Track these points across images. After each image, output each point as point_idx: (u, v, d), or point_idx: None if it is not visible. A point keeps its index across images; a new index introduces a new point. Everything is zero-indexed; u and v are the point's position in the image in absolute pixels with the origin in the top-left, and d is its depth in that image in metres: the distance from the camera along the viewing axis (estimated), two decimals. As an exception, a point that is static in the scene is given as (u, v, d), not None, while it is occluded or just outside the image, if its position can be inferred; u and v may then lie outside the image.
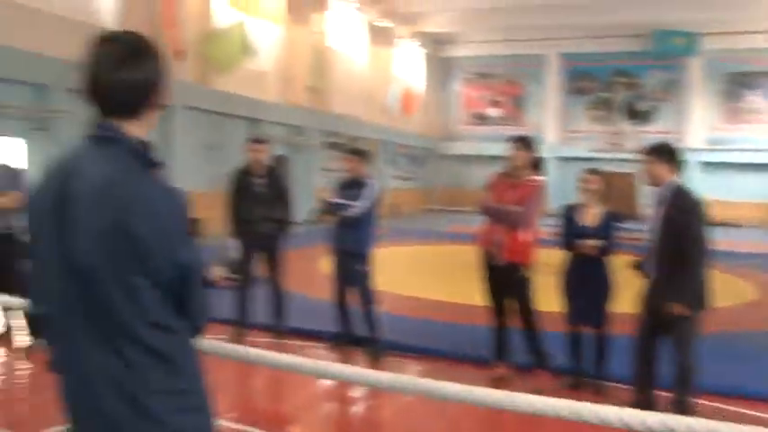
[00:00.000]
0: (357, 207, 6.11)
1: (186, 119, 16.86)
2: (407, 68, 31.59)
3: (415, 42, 31.74)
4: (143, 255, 1.62)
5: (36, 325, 5.60)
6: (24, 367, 5.68)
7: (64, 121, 13.32)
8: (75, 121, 13.41)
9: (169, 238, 1.66)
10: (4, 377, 5.54)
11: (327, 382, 5.44)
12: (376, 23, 27.98)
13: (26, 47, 12.67)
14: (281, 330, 6.77)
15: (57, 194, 1.71)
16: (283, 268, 6.87)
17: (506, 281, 5.51)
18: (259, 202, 6.49)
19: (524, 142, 5.59)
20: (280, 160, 20.64)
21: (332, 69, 24.61)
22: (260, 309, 6.84)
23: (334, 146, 24.53)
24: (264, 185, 6.57)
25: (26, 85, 12.95)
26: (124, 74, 1.76)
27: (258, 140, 6.73)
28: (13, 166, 6.23)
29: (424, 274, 12.03)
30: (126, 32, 1.85)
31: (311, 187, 22.38)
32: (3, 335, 6.31)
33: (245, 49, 16.75)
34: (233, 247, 9.73)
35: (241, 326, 6.65)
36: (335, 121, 24.72)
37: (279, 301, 6.84)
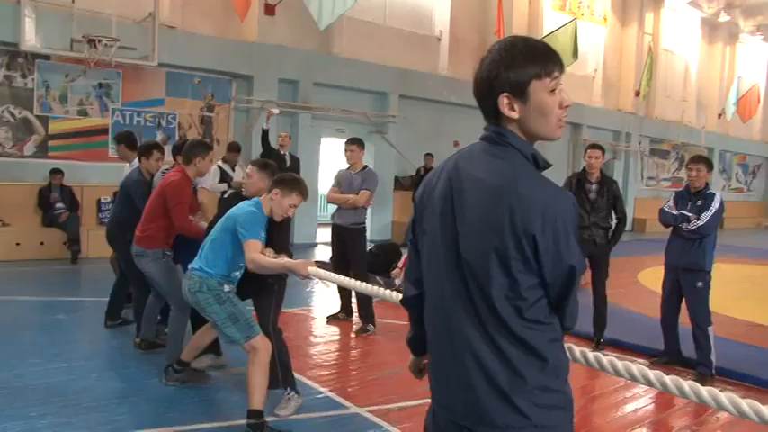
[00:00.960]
0: (702, 221, 5.65)
1: (507, 123, 17.17)
2: (748, 66, 28.30)
3: (756, 37, 28.22)
4: (534, 253, 1.64)
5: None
6: (358, 345, 6.31)
7: (397, 125, 14.50)
8: (406, 125, 14.58)
9: (560, 238, 1.65)
10: (339, 353, 6.19)
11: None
12: (711, 19, 25.57)
13: (368, 58, 14.05)
14: (599, 341, 6.53)
15: (447, 190, 1.81)
16: (606, 278, 6.63)
17: None
18: (593, 209, 6.37)
19: None
20: (610, 167, 20.08)
21: (660, 71, 23.13)
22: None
23: (657, 153, 23.20)
24: (598, 192, 6.41)
25: (368, 93, 14.32)
26: (491, 78, 1.76)
27: (596, 147, 6.58)
28: (369, 167, 6.93)
29: (758, 297, 10.70)
30: (516, 38, 1.81)
31: (632, 196, 21.34)
32: (335, 316, 7.07)
33: (575, 52, 16.53)
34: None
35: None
36: (661, 126, 23.20)
37: (600, 310, 6.61)
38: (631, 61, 22.14)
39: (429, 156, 13.76)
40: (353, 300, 6.97)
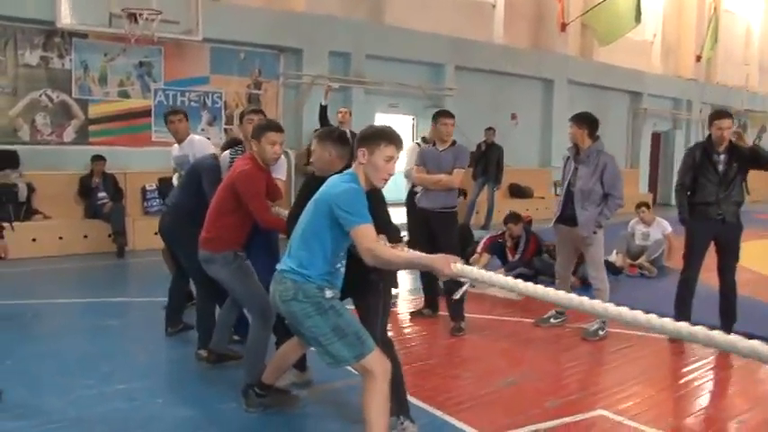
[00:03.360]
0: None
1: (566, 93, 16.13)
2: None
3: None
4: None
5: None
6: (455, 348, 5.46)
7: (453, 99, 13.51)
8: (463, 98, 13.58)
9: None
10: (438, 360, 5.35)
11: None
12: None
13: (422, 27, 13.05)
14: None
15: None
16: (737, 262, 5.66)
17: None
18: (722, 181, 5.39)
19: None
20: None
21: (720, 34, 21.68)
22: (700, 306, 5.73)
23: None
24: (727, 163, 5.43)
25: (422, 65, 13.35)
26: None
27: (723, 115, 5.55)
28: (458, 142, 6.11)
29: None
30: None
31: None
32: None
33: (638, 16, 15.34)
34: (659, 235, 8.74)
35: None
36: (723, 92, 21.78)
37: (728, 300, 5.64)
38: (691, 24, 20.77)
39: (490, 130, 12.76)
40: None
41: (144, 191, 9.83)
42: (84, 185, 9.22)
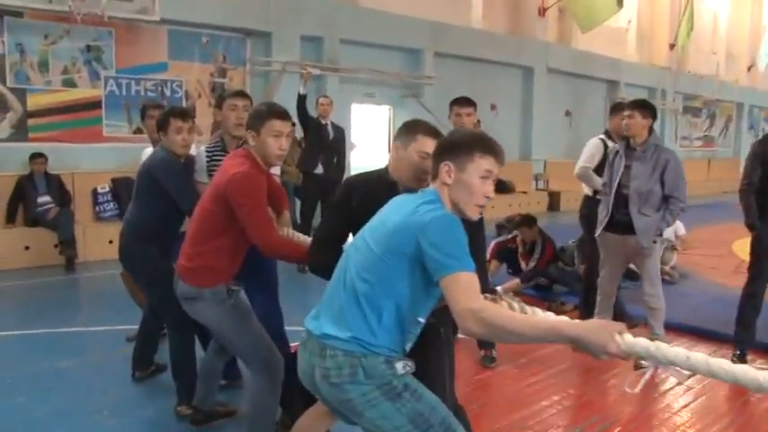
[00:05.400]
0: None
1: (545, 82, 15.33)
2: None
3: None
4: None
5: None
6: (504, 383, 4.48)
7: (433, 87, 12.55)
8: (442, 87, 12.60)
9: None
10: (499, 403, 4.37)
11: None
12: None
13: (398, 10, 12.02)
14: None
15: None
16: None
17: None
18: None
19: None
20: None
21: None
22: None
23: (690, 110, 21.47)
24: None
25: (400, 51, 12.33)
26: None
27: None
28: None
29: None
30: None
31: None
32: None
33: (619, 0, 14.60)
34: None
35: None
36: (695, 82, 21.37)
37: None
38: (665, 10, 20.27)
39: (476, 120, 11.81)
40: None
41: (95, 193, 8.56)
42: (23, 188, 7.92)
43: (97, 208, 8.54)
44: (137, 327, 4.41)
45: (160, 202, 3.60)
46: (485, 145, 2.17)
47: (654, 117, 4.76)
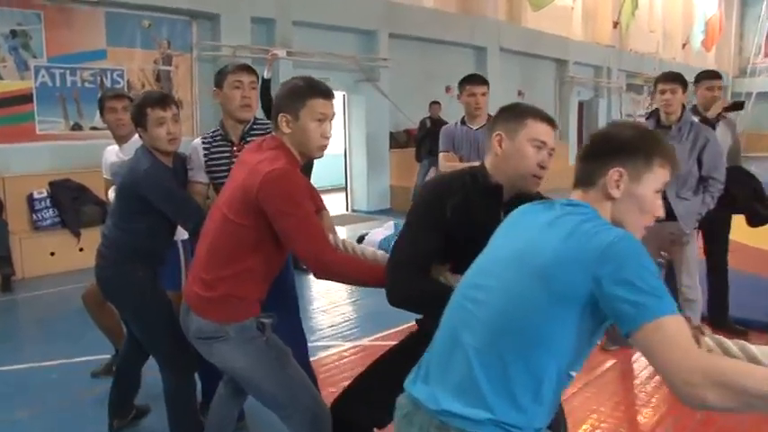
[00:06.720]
0: None
1: (498, 62, 14.89)
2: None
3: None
4: None
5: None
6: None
7: (389, 71, 11.91)
8: (397, 69, 11.99)
9: None
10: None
11: None
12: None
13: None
14: None
15: None
16: None
17: None
18: None
19: None
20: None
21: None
22: None
23: (633, 88, 21.61)
24: None
25: (354, 33, 11.61)
26: None
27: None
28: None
29: None
30: None
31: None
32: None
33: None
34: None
35: None
36: (637, 60, 21.48)
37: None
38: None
39: (436, 104, 11.22)
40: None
41: (31, 199, 7.53)
42: (-53, 197, 6.89)
43: (34, 216, 7.53)
44: (101, 357, 3.63)
45: (149, 217, 2.85)
46: (665, 151, 1.62)
47: (687, 92, 4.29)
